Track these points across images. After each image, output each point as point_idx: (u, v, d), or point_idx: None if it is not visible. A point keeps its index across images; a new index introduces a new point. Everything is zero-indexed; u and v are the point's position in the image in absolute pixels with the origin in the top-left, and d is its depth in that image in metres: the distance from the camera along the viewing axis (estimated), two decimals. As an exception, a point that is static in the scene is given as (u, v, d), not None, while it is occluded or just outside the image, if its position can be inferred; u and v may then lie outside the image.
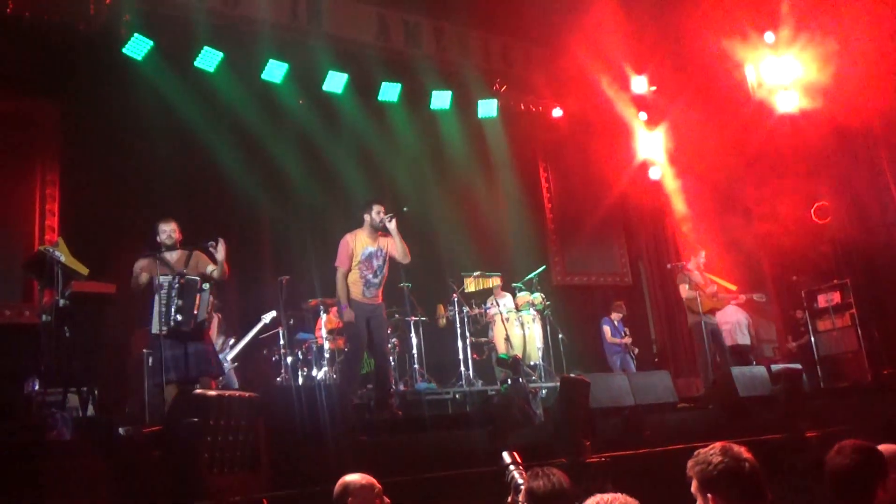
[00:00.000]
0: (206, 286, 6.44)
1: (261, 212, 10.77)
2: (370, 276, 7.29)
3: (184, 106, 9.70)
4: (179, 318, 6.20)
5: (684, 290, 9.87)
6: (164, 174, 9.47)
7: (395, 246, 7.31)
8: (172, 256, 6.59)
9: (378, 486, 3.39)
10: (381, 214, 7.27)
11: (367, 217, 7.36)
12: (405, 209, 7.42)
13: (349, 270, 7.31)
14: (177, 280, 6.27)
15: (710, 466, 2.65)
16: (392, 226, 7.17)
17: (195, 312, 6.29)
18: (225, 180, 10.16)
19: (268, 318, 9.18)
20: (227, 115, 10.25)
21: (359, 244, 7.32)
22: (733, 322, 10.97)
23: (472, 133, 12.29)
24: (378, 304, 7.37)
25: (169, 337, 6.18)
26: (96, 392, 6.86)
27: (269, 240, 10.81)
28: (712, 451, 2.69)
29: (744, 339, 11.00)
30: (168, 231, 6.57)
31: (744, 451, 2.69)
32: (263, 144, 10.49)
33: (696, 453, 2.74)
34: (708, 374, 9.57)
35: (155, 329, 6.24)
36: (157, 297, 6.25)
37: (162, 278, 6.27)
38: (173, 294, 6.23)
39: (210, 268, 6.65)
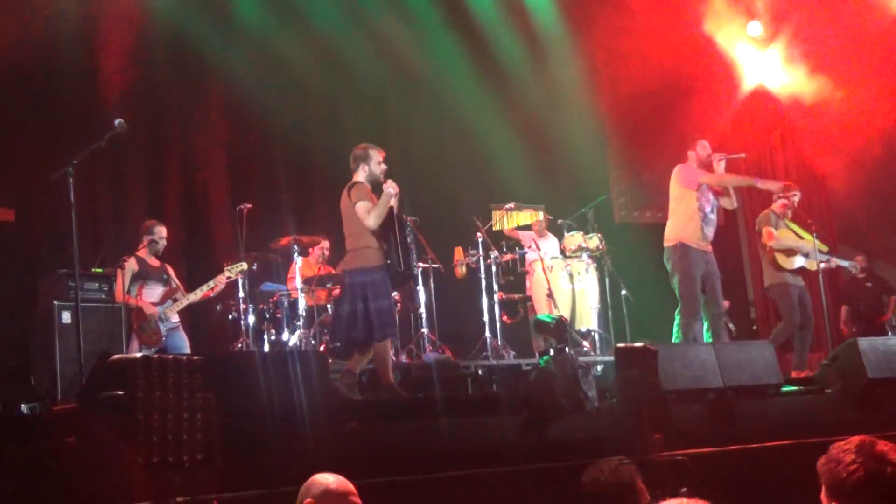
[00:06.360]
0: None
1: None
2: (708, 210, 8.32)
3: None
4: None
5: (771, 235, 9.25)
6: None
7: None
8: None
9: (353, 491, 3.36)
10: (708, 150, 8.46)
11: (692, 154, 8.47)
12: None
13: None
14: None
15: (840, 467, 2.71)
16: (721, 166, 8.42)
17: None
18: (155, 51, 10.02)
19: (234, 271, 8.69)
20: None
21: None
22: None
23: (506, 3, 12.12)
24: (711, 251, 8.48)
25: None
26: (-10, 357, 6.96)
27: (224, 153, 10.77)
28: (846, 449, 2.75)
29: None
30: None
31: (889, 452, 2.73)
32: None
33: (830, 448, 2.79)
34: None
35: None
36: None
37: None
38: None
39: None
